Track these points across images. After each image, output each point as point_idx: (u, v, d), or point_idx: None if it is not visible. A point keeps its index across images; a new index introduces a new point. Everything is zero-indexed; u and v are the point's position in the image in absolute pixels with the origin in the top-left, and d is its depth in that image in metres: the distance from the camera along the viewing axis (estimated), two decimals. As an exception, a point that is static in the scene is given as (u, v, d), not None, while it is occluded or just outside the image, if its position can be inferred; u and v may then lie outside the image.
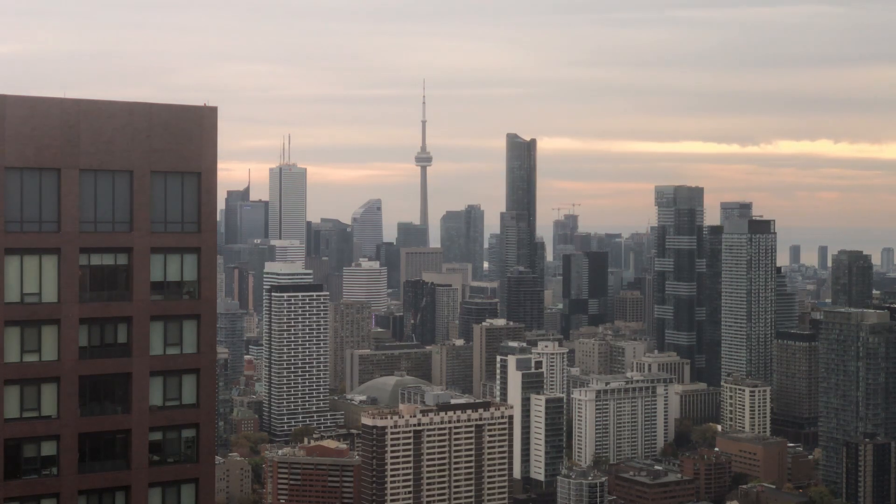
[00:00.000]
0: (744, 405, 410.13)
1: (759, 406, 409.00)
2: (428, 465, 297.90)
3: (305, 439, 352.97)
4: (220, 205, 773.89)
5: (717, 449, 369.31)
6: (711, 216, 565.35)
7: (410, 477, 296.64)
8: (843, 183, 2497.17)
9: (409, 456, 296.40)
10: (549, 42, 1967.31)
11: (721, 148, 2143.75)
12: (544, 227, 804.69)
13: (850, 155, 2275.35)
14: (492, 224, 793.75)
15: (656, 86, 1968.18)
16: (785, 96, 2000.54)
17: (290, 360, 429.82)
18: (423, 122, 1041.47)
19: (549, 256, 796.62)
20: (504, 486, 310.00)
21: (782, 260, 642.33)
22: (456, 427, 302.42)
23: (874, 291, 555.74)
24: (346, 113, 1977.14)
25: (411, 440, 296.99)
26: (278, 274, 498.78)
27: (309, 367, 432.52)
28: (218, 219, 73.77)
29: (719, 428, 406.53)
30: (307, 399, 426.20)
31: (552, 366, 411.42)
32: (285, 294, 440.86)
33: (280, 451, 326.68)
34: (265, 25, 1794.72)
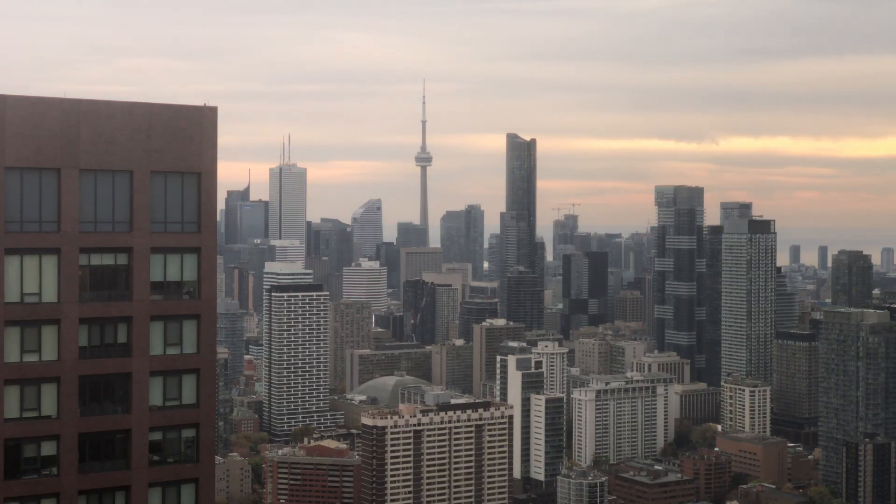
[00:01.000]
0: (744, 405, 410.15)
1: (759, 406, 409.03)
2: (428, 465, 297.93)
3: (305, 439, 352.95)
4: (220, 205, 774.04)
5: (717, 449, 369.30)
6: (711, 216, 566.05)
7: (410, 477, 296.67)
8: (821, 182, 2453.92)
9: (409, 456, 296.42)
10: (463, 36, 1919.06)
11: (681, 146, 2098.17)
12: (544, 227, 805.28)
13: (817, 152, 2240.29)
14: (492, 224, 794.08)
15: (586, 81, 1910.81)
16: (726, 91, 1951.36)
17: (290, 360, 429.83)
18: (423, 122, 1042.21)
19: (549, 256, 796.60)
20: (504, 486, 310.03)
21: (782, 260, 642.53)
22: (456, 427, 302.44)
23: (874, 291, 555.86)
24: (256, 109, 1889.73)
25: (411, 440, 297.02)
26: (278, 274, 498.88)
27: (309, 367, 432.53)
28: (218, 219, 73.76)
29: (719, 428, 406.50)
30: (307, 399, 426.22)
31: (552, 366, 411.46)
32: (285, 294, 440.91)
33: (280, 451, 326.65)
34: (147, 17, 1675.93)
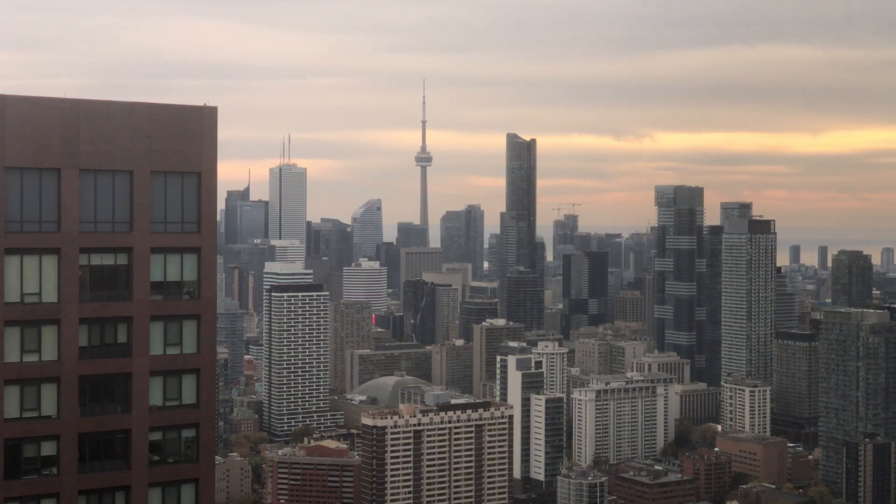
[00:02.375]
0: (744, 405, 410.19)
1: (759, 406, 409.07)
2: (428, 465, 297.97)
3: (305, 439, 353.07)
4: (220, 205, 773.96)
5: (717, 449, 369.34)
6: (711, 216, 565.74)
7: (410, 477, 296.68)
8: (786, 181, 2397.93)
9: (409, 456, 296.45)
10: (337, 25, 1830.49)
11: (621, 144, 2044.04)
12: (544, 227, 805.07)
13: (763, 149, 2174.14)
14: (492, 224, 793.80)
15: (482, 74, 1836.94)
16: (634, 85, 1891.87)
17: (290, 360, 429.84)
18: (423, 122, 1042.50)
19: (549, 256, 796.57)
20: (504, 486, 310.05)
21: (782, 260, 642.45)
22: (456, 427, 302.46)
23: (874, 291, 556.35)
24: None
25: (411, 440, 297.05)
26: (278, 274, 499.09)
27: (309, 367, 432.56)
28: (218, 219, 73.76)
29: (719, 428, 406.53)
30: (307, 399, 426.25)
31: (552, 366, 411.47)
32: (285, 294, 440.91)
33: (280, 451, 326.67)
34: None
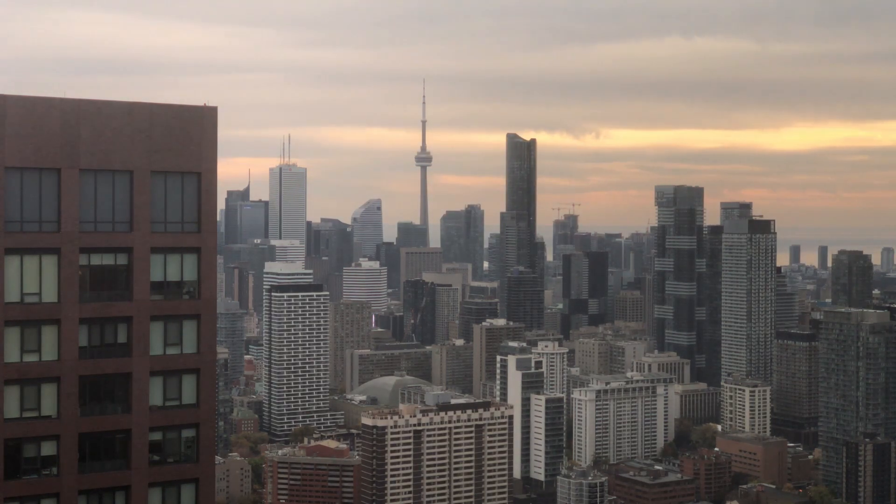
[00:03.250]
0: (744, 405, 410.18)
1: (759, 406, 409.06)
2: (428, 465, 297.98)
3: (305, 439, 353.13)
4: (220, 205, 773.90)
5: (717, 449, 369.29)
6: (711, 216, 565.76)
7: (410, 477, 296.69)
8: (765, 180, 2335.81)
9: (409, 456, 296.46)
10: (232, 15, 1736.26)
11: (568, 141, 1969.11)
12: (544, 228, 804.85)
13: (724, 146, 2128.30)
14: (492, 224, 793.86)
15: (392, 69, 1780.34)
16: (571, 80, 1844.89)
17: (290, 360, 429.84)
18: (423, 122, 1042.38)
19: (549, 256, 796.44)
20: (504, 486, 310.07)
21: (782, 260, 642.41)
22: (456, 427, 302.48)
23: (874, 291, 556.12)
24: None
25: (411, 440, 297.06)
26: (278, 274, 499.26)
27: (309, 367, 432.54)
28: (218, 219, 73.77)
29: (719, 428, 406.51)
30: (307, 399, 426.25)
31: (552, 366, 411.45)
32: (285, 294, 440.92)
33: (280, 451, 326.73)
34: None
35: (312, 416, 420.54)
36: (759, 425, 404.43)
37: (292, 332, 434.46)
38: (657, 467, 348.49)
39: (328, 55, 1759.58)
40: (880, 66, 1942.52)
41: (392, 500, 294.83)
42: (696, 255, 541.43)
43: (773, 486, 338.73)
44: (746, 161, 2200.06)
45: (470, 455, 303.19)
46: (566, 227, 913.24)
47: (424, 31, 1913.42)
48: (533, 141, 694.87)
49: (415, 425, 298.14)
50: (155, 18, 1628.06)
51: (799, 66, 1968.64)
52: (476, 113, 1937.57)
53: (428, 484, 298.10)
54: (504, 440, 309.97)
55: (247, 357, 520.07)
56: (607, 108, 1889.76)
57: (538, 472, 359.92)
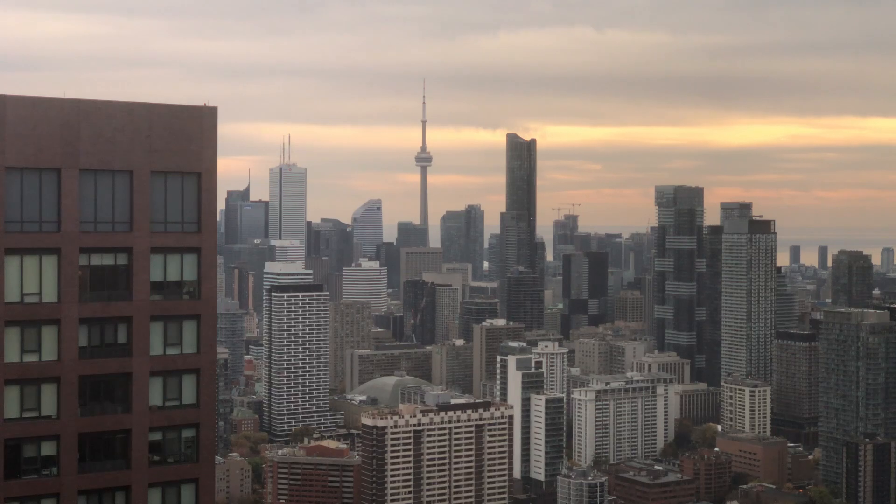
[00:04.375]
0: (744, 405, 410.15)
1: (759, 406, 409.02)
2: (428, 465, 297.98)
3: (305, 439, 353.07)
4: (220, 205, 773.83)
5: (717, 449, 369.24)
6: (711, 216, 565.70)
7: (410, 477, 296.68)
8: (732, 178, 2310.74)
9: (409, 456, 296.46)
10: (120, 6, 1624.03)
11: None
12: (544, 228, 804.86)
13: (681, 143, 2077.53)
14: (492, 224, 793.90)
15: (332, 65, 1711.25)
16: (480, 72, 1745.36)
17: (290, 360, 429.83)
18: (423, 122, 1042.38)
19: (549, 256, 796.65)
20: (504, 486, 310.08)
21: (782, 260, 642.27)
22: (456, 427, 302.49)
23: (874, 291, 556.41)
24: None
25: (411, 440, 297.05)
26: (278, 274, 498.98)
27: (309, 367, 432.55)
28: (218, 219, 73.78)
29: (719, 428, 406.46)
30: (307, 399, 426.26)
31: (552, 366, 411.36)
32: (285, 294, 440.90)
33: (280, 451, 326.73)
34: None
35: (312, 416, 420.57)
36: (759, 425, 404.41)
37: (292, 332, 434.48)
38: (657, 467, 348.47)
39: (213, 47, 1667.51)
40: (814, 57, 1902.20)
41: (392, 500, 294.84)
42: (696, 255, 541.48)
43: (773, 487, 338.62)
44: (703, 158, 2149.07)
45: (470, 455, 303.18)
46: (566, 227, 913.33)
47: (312, 21, 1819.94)
48: (533, 141, 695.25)
49: (415, 425, 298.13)
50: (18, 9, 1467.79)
51: (721, 58, 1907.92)
52: (392, 108, 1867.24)
53: (428, 484, 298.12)
54: (504, 440, 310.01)
55: (247, 357, 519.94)
56: (536, 103, 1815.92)
57: (538, 472, 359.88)
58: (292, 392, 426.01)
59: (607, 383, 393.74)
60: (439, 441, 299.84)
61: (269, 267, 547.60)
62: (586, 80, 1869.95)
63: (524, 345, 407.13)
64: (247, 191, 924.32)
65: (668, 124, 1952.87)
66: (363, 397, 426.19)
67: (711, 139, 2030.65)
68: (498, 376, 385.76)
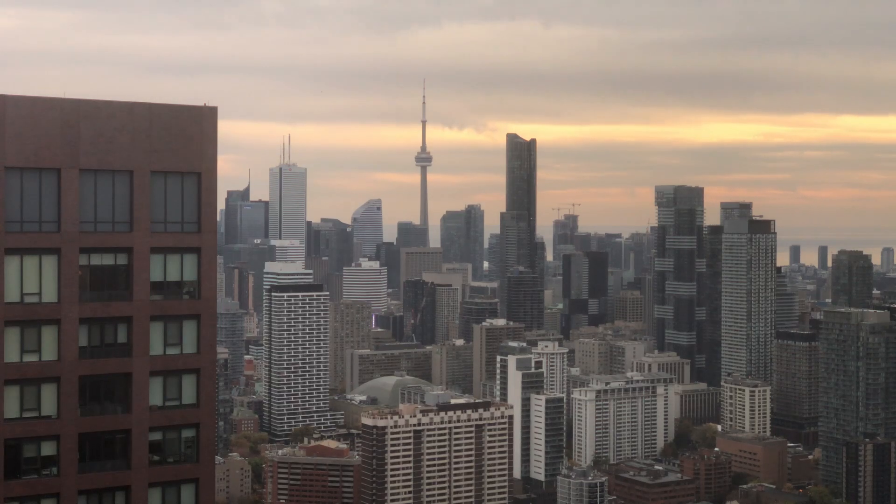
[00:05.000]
0: (744, 405, 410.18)
1: (759, 406, 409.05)
2: (428, 465, 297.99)
3: (305, 439, 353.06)
4: (220, 205, 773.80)
5: (717, 449, 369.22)
6: (711, 216, 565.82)
7: (410, 477, 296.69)
8: (714, 178, 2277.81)
9: (409, 456, 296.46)
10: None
11: (465, 135, 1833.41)
12: (544, 227, 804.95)
13: (642, 139, 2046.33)
14: (492, 224, 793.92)
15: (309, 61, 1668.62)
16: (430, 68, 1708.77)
17: (290, 360, 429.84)
18: (423, 122, 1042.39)
19: (549, 256, 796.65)
20: (504, 486, 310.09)
21: (782, 260, 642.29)
22: (456, 427, 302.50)
23: (874, 291, 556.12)
24: None
25: (411, 440, 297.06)
26: (278, 274, 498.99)
27: (309, 367, 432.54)
28: (218, 219, 73.75)
29: (719, 428, 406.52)
30: (307, 399, 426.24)
31: (552, 366, 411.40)
32: (285, 294, 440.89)
33: (280, 451, 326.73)
34: None
35: (312, 416, 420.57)
36: (759, 425, 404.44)
37: (292, 332, 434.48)
38: (657, 467, 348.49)
39: (138, 41, 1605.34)
40: (774, 52, 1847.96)
41: (392, 500, 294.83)
42: (696, 255, 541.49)
43: (773, 487, 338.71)
44: (678, 157, 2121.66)
45: (470, 455, 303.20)
46: (566, 227, 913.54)
47: (245, 14, 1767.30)
48: (533, 141, 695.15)
49: (415, 425, 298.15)
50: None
51: (679, 53, 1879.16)
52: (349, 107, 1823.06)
53: (428, 484, 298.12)
54: (504, 440, 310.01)
55: (247, 357, 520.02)
56: (490, 100, 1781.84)
57: (538, 472, 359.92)
58: (292, 392, 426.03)
59: (607, 383, 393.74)
60: (439, 441, 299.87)
61: (269, 267, 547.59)
62: (539, 77, 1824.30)
63: (524, 345, 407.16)
64: (247, 191, 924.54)
65: (634, 122, 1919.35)
66: (363, 397, 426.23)
67: (683, 137, 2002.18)
68: (498, 376, 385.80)
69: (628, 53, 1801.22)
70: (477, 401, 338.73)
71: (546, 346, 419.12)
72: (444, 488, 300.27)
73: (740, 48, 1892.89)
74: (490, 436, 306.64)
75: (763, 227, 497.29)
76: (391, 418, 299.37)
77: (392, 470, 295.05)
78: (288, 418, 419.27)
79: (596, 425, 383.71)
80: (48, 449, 56.12)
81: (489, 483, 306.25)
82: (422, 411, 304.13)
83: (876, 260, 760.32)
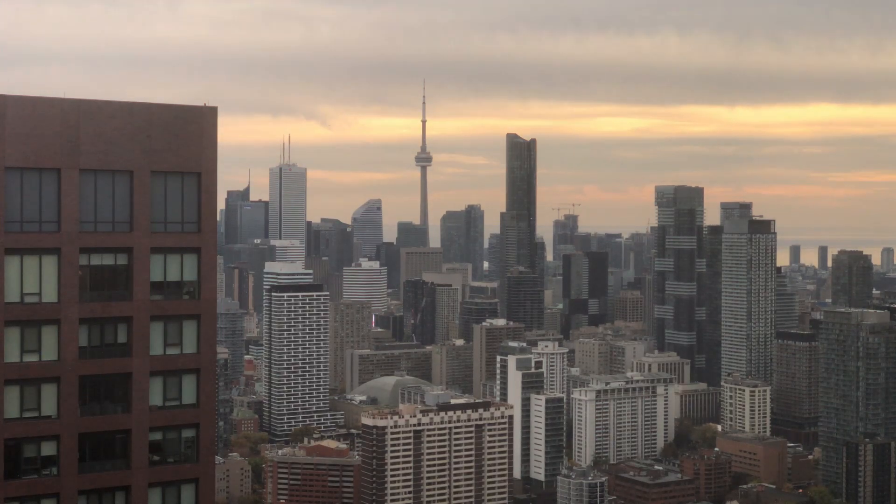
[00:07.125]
0: (744, 405, 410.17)
1: (759, 406, 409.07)
2: (428, 465, 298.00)
3: (305, 439, 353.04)
4: (220, 205, 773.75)
5: (717, 449, 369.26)
6: (711, 216, 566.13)
7: (410, 477, 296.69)
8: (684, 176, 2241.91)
9: (409, 456, 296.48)
10: None
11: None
12: (544, 227, 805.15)
13: (625, 135, 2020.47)
14: (492, 224, 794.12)
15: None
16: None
17: (290, 360, 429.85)
18: (423, 122, 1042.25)
19: (549, 256, 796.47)
20: (504, 486, 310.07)
21: (782, 260, 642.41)
22: (456, 427, 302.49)
23: (874, 291, 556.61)
24: None
25: (411, 440, 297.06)
26: (278, 274, 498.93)
27: (309, 367, 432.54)
28: (218, 219, 73.76)
29: (719, 428, 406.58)
30: (307, 399, 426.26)
31: (552, 366, 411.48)
32: (285, 294, 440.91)
33: (280, 451, 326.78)
34: None
35: (312, 416, 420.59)
36: (759, 425, 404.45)
37: (292, 332, 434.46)
38: (657, 467, 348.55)
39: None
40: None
41: (392, 500, 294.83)
42: (696, 255, 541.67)
43: (773, 487, 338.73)
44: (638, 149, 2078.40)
45: (470, 455, 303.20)
46: (566, 227, 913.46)
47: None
48: (533, 141, 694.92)
49: (415, 425, 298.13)
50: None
51: (484, 37, 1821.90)
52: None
53: (428, 484, 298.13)
54: (504, 440, 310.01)
55: (247, 357, 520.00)
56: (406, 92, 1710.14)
57: (538, 472, 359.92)
58: (292, 392, 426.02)
59: (607, 383, 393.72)
60: (439, 441, 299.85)
61: (269, 267, 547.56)
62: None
63: (524, 345, 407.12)
64: (247, 191, 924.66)
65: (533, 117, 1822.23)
66: (363, 397, 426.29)
67: (579, 129, 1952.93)
68: (498, 376, 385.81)
69: (418, 38, 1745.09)
70: (477, 401, 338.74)
71: (546, 347, 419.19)
72: (444, 488, 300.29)
73: (551, 30, 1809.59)
74: (490, 436, 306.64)
75: (763, 227, 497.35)
76: (391, 418, 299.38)
77: (392, 470, 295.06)
78: (288, 418, 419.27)
79: (596, 425, 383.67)
80: (48, 449, 56.12)
81: (489, 483, 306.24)
82: (422, 411, 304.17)
83: (876, 260, 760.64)
